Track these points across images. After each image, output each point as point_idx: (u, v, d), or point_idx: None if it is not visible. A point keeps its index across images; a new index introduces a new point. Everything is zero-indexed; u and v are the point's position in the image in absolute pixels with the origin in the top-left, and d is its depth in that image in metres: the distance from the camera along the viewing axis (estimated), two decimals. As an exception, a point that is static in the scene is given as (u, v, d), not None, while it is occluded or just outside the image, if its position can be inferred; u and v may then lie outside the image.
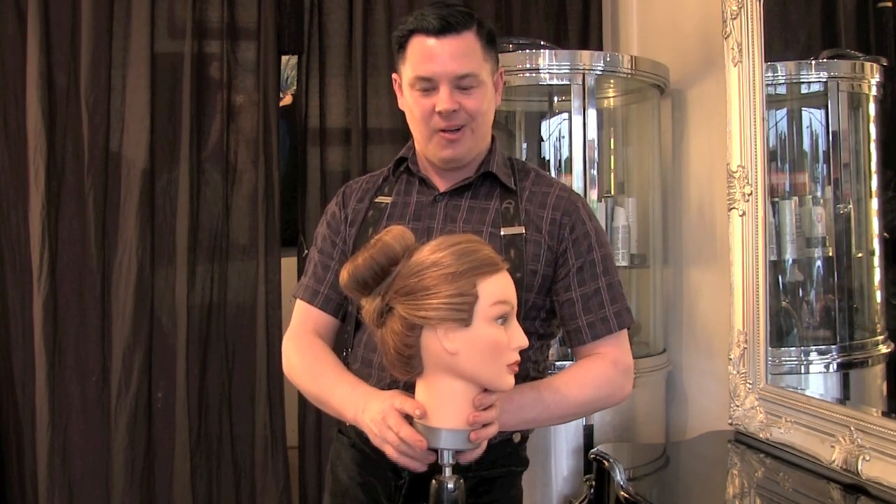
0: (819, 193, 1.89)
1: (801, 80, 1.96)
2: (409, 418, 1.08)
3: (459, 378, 1.04)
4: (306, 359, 1.31)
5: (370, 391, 1.18)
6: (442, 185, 1.34)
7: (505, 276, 1.05)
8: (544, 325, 1.34)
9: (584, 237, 1.30)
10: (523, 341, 1.06)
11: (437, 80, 1.23)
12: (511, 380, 1.06)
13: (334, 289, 1.35)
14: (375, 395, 1.15)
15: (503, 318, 1.04)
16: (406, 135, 1.40)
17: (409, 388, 1.13)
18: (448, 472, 1.06)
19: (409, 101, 1.29)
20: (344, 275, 1.06)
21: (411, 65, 1.26)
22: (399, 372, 1.07)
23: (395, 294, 1.03)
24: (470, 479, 1.23)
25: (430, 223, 1.31)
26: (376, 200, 1.37)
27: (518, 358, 1.06)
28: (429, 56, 1.23)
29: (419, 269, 1.02)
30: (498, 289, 1.03)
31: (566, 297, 1.29)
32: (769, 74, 1.86)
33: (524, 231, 1.28)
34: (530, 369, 1.32)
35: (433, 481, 1.07)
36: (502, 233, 1.28)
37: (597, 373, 1.27)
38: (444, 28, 1.22)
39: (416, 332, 1.02)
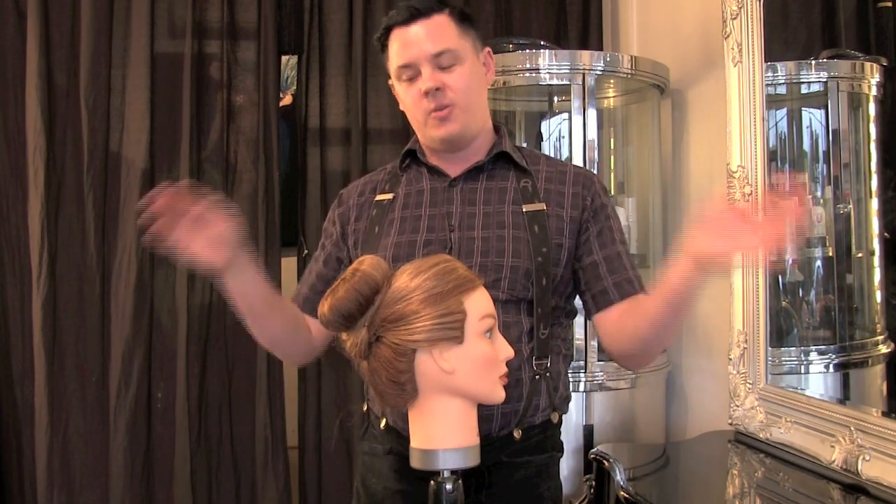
0: (819, 193, 1.89)
1: (801, 80, 1.96)
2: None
3: (455, 396, 1.04)
4: None
5: None
6: (453, 172, 1.34)
7: (484, 291, 1.07)
8: (570, 301, 1.35)
9: (602, 208, 1.33)
10: (510, 352, 1.07)
11: (416, 63, 1.27)
12: (503, 392, 1.07)
13: (313, 290, 1.38)
14: None
15: (489, 332, 1.05)
16: (407, 134, 1.40)
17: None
18: (446, 473, 1.06)
19: (401, 94, 1.33)
20: (325, 309, 1.03)
21: (392, 58, 1.31)
22: (392, 401, 1.06)
23: (381, 322, 1.02)
24: (525, 467, 1.28)
25: (448, 208, 1.31)
26: (377, 199, 1.37)
27: (506, 369, 1.07)
28: (404, 44, 1.28)
29: (403, 295, 1.01)
30: (483, 303, 1.05)
31: (588, 260, 1.30)
32: (769, 74, 1.86)
33: (545, 207, 1.30)
34: (562, 347, 1.34)
35: (431, 482, 1.07)
36: (524, 209, 1.29)
37: None
38: (413, 15, 1.28)
39: (408, 357, 1.02)
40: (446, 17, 1.28)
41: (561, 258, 1.29)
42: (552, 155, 2.61)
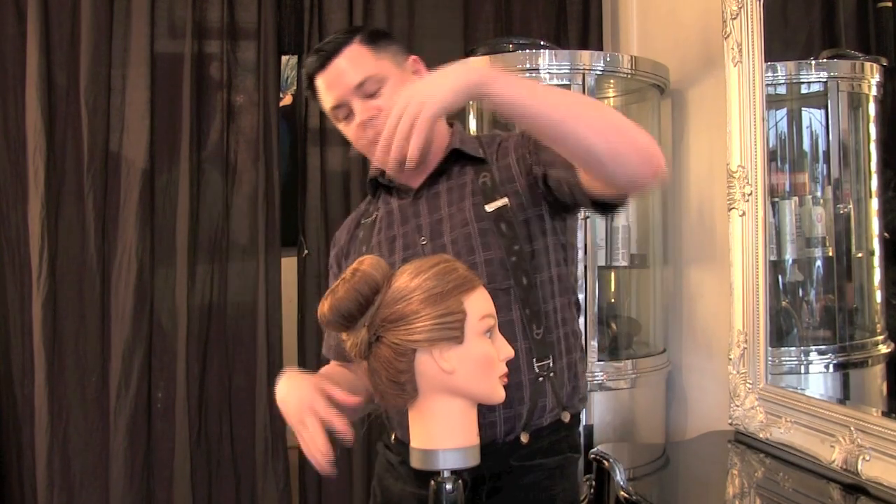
0: (819, 193, 1.89)
1: (801, 80, 1.96)
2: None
3: (456, 396, 1.04)
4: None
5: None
6: (416, 183, 1.34)
7: (484, 291, 1.07)
8: (560, 266, 1.31)
9: (523, 136, 1.31)
10: (510, 352, 1.08)
11: (344, 101, 1.28)
12: (503, 392, 1.07)
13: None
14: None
15: (489, 332, 1.05)
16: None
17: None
18: (446, 473, 1.06)
19: (345, 133, 1.33)
20: (325, 309, 1.03)
21: (323, 104, 1.31)
22: (392, 401, 1.06)
23: (381, 322, 1.02)
24: (536, 470, 1.26)
25: (417, 221, 1.31)
26: (362, 222, 1.41)
27: (506, 369, 1.07)
28: (327, 86, 1.29)
29: (403, 295, 1.01)
30: (483, 303, 1.05)
31: (544, 171, 1.25)
32: (769, 74, 1.85)
33: (507, 201, 1.28)
34: (570, 342, 1.31)
35: (431, 482, 1.07)
36: (488, 209, 1.27)
37: None
38: (326, 58, 1.28)
39: (408, 357, 1.02)
40: (357, 46, 1.28)
41: (535, 231, 1.28)
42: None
